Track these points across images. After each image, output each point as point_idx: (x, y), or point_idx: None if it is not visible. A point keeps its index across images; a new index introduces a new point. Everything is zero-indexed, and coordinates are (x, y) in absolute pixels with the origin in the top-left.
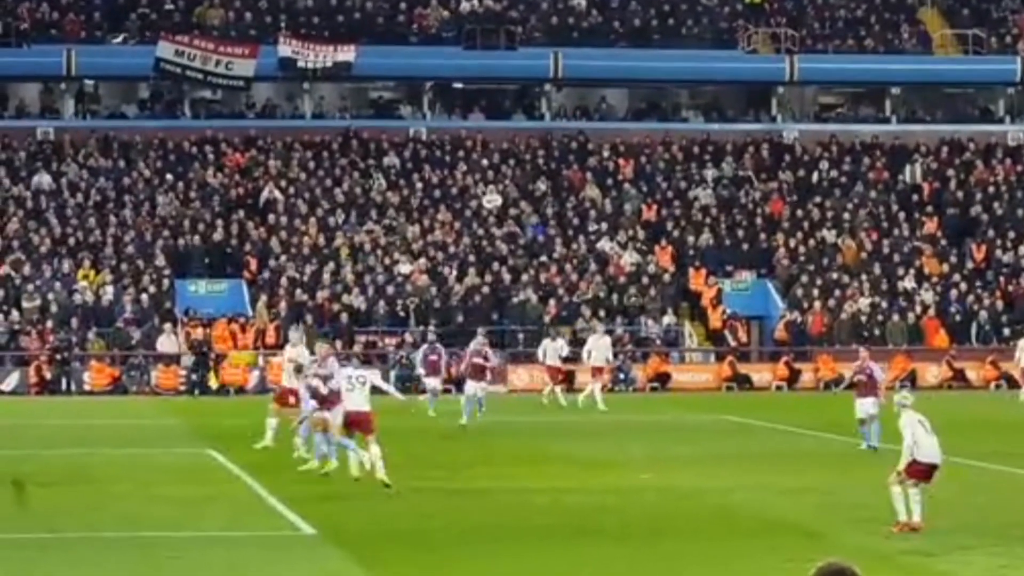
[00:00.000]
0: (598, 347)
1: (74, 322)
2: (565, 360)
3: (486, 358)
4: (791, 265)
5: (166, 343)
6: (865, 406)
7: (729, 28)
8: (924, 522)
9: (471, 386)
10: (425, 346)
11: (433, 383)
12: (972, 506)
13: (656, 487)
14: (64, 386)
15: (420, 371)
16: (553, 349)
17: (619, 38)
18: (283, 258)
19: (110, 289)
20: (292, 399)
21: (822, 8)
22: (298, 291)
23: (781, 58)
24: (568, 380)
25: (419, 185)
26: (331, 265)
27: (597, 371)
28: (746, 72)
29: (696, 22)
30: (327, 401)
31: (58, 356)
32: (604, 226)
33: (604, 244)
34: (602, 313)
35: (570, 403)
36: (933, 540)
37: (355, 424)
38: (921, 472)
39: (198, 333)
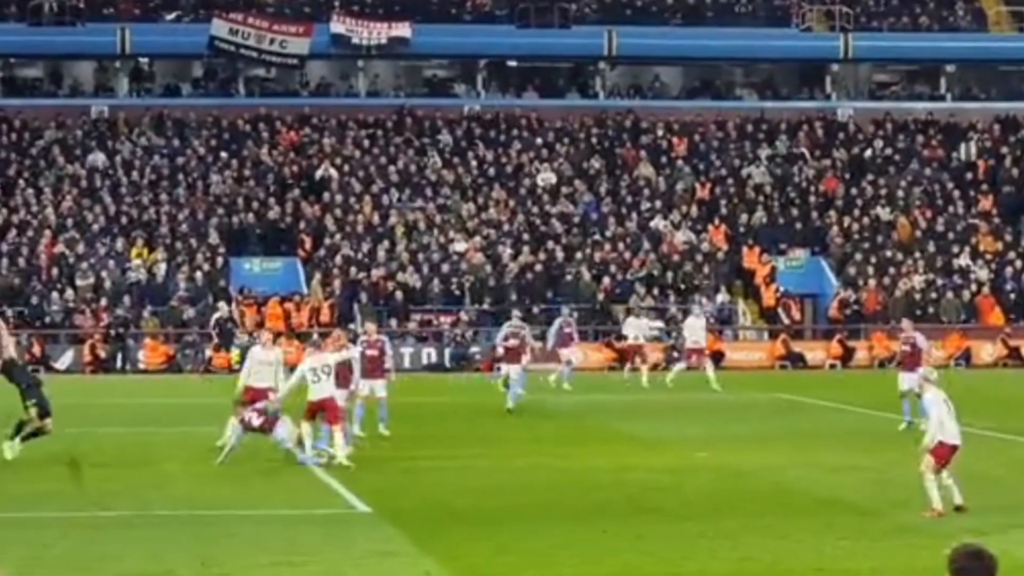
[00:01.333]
0: (694, 328)
1: (128, 300)
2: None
3: (522, 340)
4: (845, 243)
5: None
6: (907, 379)
7: (783, 5)
8: (966, 500)
9: (505, 369)
10: (560, 319)
11: (568, 354)
12: None
13: (712, 465)
14: (118, 365)
15: (551, 343)
16: (637, 327)
17: (673, 16)
18: (338, 236)
19: (164, 267)
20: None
21: None
22: (353, 269)
23: (835, 36)
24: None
25: (473, 163)
26: (386, 243)
27: (693, 352)
28: (800, 50)
29: (750, 0)
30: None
31: (112, 334)
32: (658, 204)
33: (657, 222)
34: (656, 291)
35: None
36: (985, 519)
37: (319, 411)
38: (947, 454)
39: (252, 312)
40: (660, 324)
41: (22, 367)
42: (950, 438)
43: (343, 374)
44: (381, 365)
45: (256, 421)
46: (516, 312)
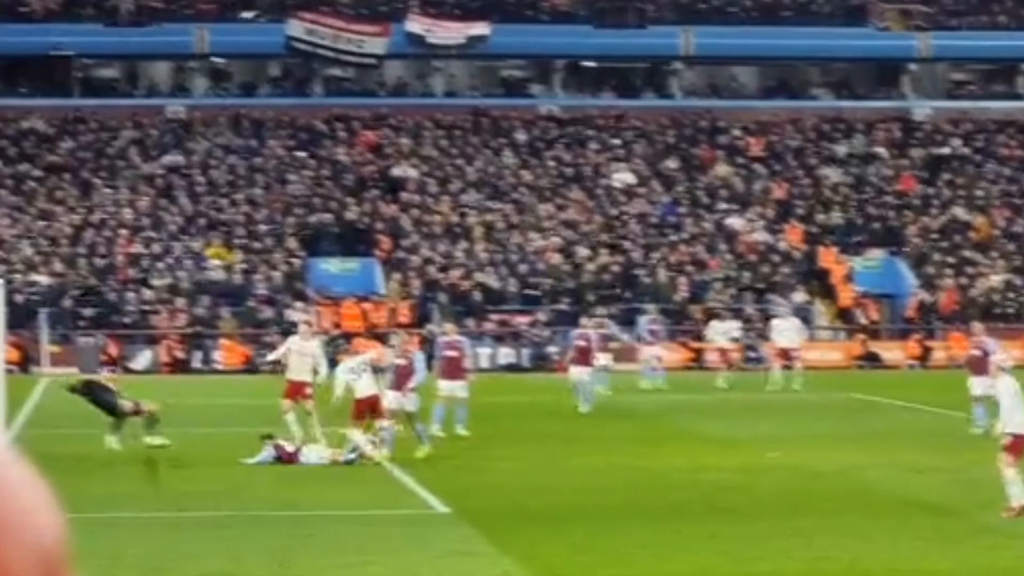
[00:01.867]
0: (783, 329)
1: (205, 300)
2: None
3: (589, 342)
4: (922, 243)
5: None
6: (978, 384)
7: (860, 5)
8: None
9: (575, 372)
10: (646, 317)
11: (653, 351)
12: None
13: (787, 465)
14: (195, 365)
15: (646, 338)
16: (722, 330)
17: (749, 15)
18: (415, 236)
19: (241, 267)
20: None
21: None
22: (430, 269)
23: (912, 35)
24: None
25: (550, 163)
26: (463, 243)
27: (783, 353)
28: (877, 49)
29: None
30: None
31: (189, 334)
32: (734, 204)
33: (734, 222)
34: (733, 291)
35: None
36: None
37: (368, 408)
38: (1019, 445)
39: (329, 312)
40: (738, 325)
41: (103, 387)
42: (1018, 428)
43: (403, 375)
44: (461, 366)
45: (276, 453)
46: (584, 317)
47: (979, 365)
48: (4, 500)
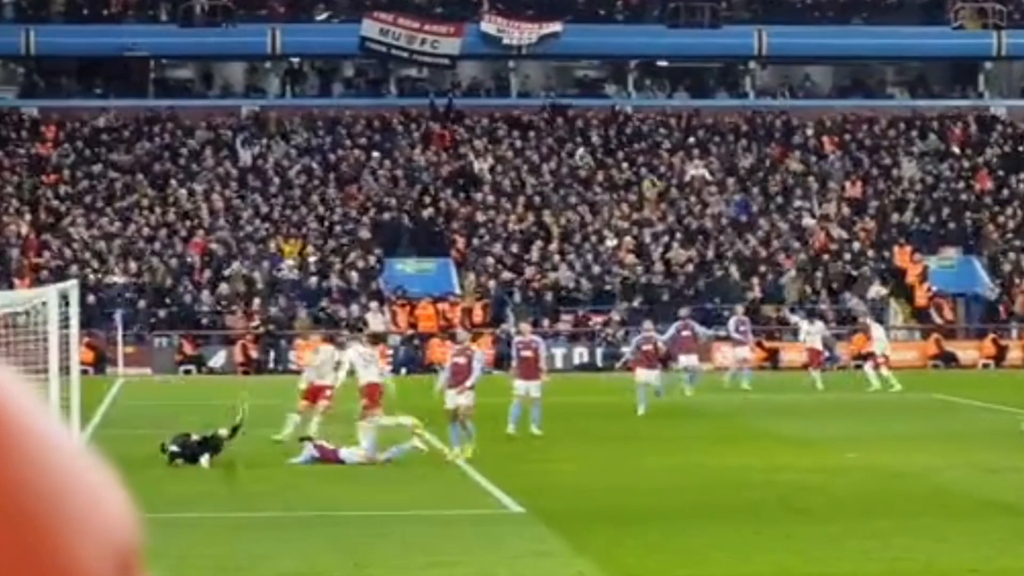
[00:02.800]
0: (879, 334)
1: (281, 300)
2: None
3: (655, 345)
4: (999, 241)
5: (373, 322)
6: None
7: (936, 3)
8: None
9: (641, 373)
10: (735, 318)
11: (743, 352)
12: None
13: (863, 465)
14: (271, 365)
15: (735, 338)
16: (814, 331)
17: (823, 14)
18: (490, 236)
19: (316, 267)
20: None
21: None
22: (505, 269)
23: (989, 33)
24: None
25: (624, 163)
26: (538, 243)
27: (872, 356)
28: (953, 48)
29: None
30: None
31: (264, 333)
32: (808, 203)
33: (808, 221)
34: (807, 289)
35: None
36: None
37: (369, 395)
38: None
39: (404, 312)
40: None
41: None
42: None
43: (460, 373)
44: (536, 365)
45: (317, 453)
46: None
47: None
48: (75, 492)
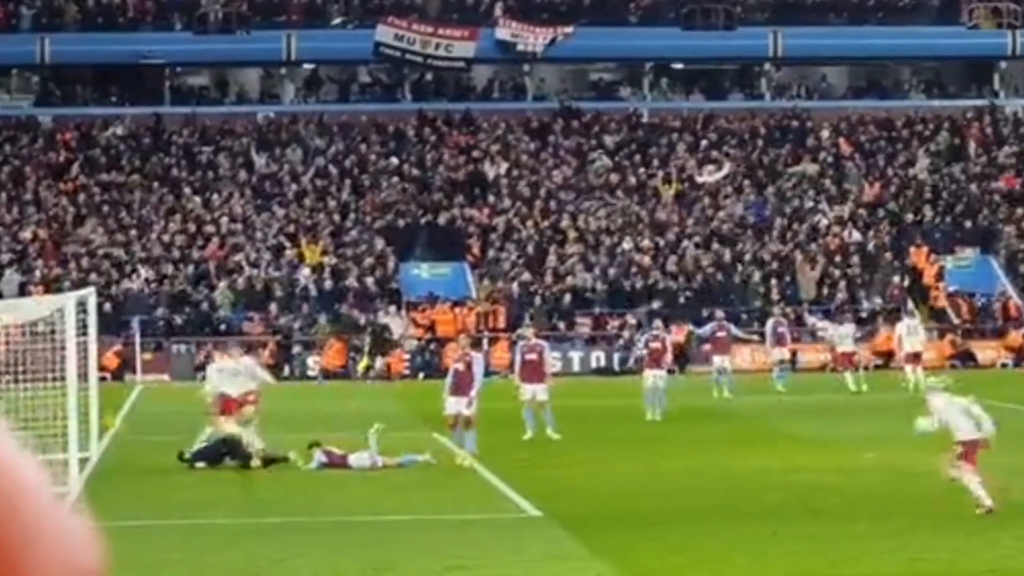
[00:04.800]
0: (910, 332)
1: (304, 307)
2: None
3: (663, 343)
4: (1016, 241)
5: (392, 325)
6: None
7: (950, 3)
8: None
9: (648, 375)
10: (773, 319)
11: (780, 353)
12: None
13: (881, 465)
14: (289, 370)
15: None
16: (844, 333)
17: (838, 15)
18: (506, 240)
19: (333, 272)
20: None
21: None
22: (522, 272)
23: (1003, 32)
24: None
25: (641, 166)
26: (554, 246)
27: (913, 357)
28: (968, 48)
29: None
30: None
31: (280, 339)
32: (825, 204)
33: (824, 222)
34: (824, 291)
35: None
36: None
37: (236, 406)
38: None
39: (422, 316)
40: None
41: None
42: (966, 435)
43: (462, 380)
44: (541, 369)
45: (326, 459)
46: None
47: None
48: (38, 518)
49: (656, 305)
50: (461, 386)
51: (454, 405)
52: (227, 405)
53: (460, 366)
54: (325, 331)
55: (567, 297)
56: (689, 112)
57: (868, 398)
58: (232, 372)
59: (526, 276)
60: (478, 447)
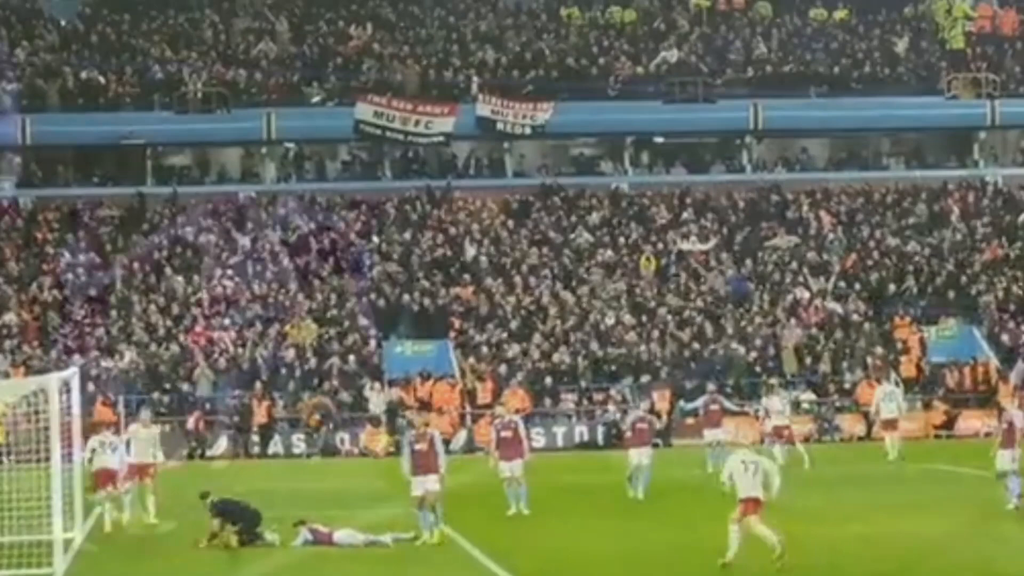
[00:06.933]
0: (887, 398)
1: (290, 385)
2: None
3: (650, 424)
4: (998, 311)
5: (375, 401)
6: (1004, 459)
7: (930, 74)
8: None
9: (633, 454)
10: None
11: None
12: None
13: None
14: (271, 450)
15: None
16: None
17: (818, 87)
18: (488, 317)
19: (314, 351)
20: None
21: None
22: (504, 349)
23: (982, 103)
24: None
25: (622, 240)
26: (536, 323)
27: (888, 424)
28: (947, 118)
29: (893, 69)
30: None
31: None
32: (805, 276)
33: (804, 293)
34: (808, 361)
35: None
36: None
37: (108, 479)
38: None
39: (395, 394)
40: (811, 396)
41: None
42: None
43: (424, 459)
44: (517, 445)
45: (311, 536)
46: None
47: (1005, 439)
48: None
49: (644, 379)
50: (425, 465)
51: (420, 484)
52: (103, 478)
53: (422, 446)
54: (309, 407)
55: (550, 373)
56: (670, 186)
57: (855, 469)
58: (112, 445)
59: (509, 352)
60: (464, 522)
